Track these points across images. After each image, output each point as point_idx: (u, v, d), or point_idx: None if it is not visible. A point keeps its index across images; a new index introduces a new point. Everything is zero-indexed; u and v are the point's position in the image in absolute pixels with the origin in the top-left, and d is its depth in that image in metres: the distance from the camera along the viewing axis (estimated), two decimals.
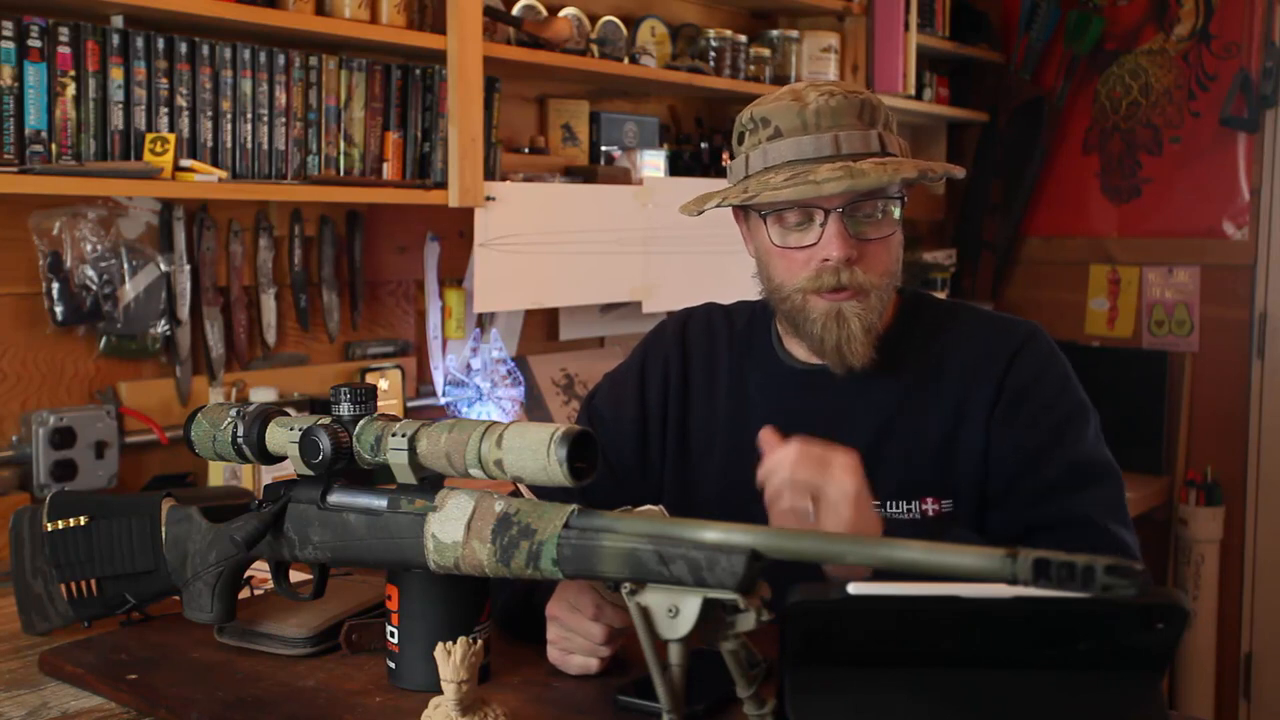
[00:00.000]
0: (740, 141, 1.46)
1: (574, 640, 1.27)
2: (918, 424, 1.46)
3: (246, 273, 2.34)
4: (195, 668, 1.32)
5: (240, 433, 1.24)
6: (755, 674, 0.97)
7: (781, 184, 1.36)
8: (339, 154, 2.30)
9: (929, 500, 1.44)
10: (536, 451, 1.03)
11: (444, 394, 2.68)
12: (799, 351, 1.52)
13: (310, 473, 1.18)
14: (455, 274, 2.71)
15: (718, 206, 1.45)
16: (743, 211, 1.49)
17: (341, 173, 2.31)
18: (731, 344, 1.58)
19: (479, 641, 1.08)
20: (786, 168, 1.38)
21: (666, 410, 1.57)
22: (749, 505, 1.45)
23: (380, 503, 1.15)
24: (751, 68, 3.13)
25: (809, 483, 1.21)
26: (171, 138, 2.02)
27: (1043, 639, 0.84)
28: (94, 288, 2.09)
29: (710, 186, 1.51)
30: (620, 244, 2.78)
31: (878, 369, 1.45)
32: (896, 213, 1.42)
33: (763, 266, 1.48)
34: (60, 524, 1.41)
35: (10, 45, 1.87)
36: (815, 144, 1.37)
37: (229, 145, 2.13)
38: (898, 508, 1.44)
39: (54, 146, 1.92)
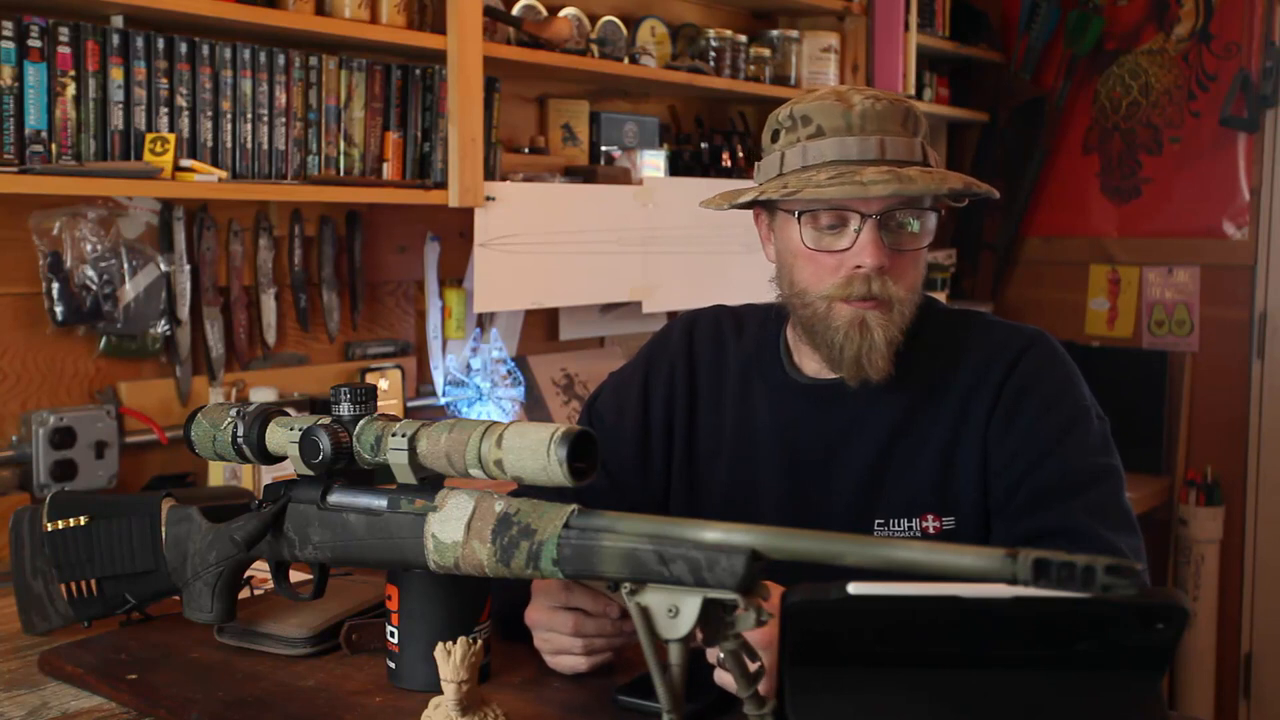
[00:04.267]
0: (774, 139, 1.42)
1: (553, 639, 1.28)
2: (921, 439, 1.44)
3: (246, 273, 2.34)
4: (195, 668, 1.32)
5: (240, 433, 1.24)
6: (755, 674, 0.97)
7: (826, 182, 1.32)
8: (339, 154, 2.30)
9: (930, 517, 1.42)
10: (536, 451, 1.03)
11: (444, 394, 2.68)
12: (808, 365, 1.49)
13: (310, 473, 1.18)
14: (455, 274, 2.71)
15: (752, 202, 1.42)
16: (767, 211, 1.46)
17: (341, 173, 2.31)
18: (739, 353, 1.55)
19: (479, 641, 1.08)
20: (829, 167, 1.35)
21: (673, 417, 1.55)
22: (754, 514, 1.45)
23: (380, 503, 1.15)
24: (751, 68, 3.13)
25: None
26: (171, 138, 2.02)
27: (1043, 639, 0.84)
28: (94, 288, 2.09)
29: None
30: (620, 244, 2.78)
31: (884, 383, 1.44)
32: (930, 226, 1.40)
33: (786, 269, 1.44)
34: (60, 524, 1.42)
35: (10, 45, 1.87)
36: (860, 145, 1.35)
37: (229, 145, 2.13)
38: (899, 525, 1.43)
39: (54, 146, 1.92)
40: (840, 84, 3.32)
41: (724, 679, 1.13)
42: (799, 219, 1.38)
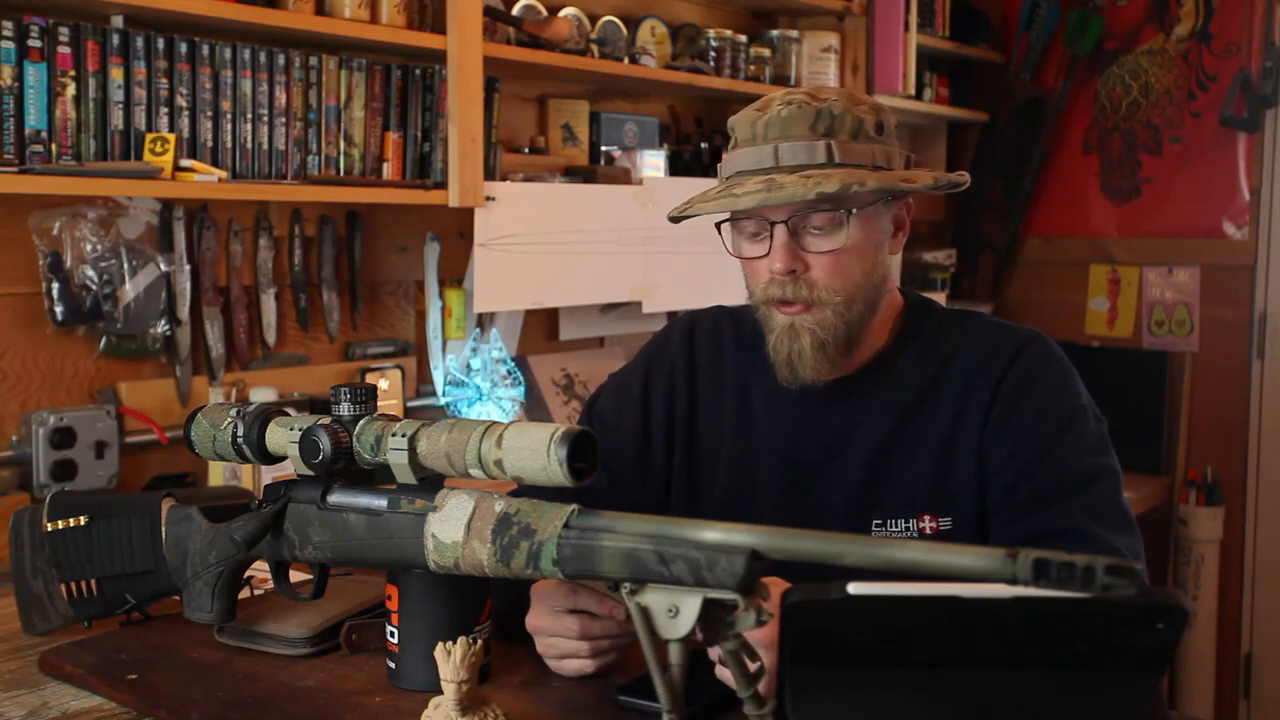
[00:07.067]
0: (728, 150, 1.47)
1: (557, 644, 1.27)
2: (917, 439, 1.44)
3: (246, 273, 2.34)
4: (195, 668, 1.32)
5: (240, 433, 1.24)
6: (755, 674, 0.97)
7: (713, 196, 1.37)
8: (339, 154, 2.30)
9: (926, 518, 1.43)
10: (536, 451, 1.03)
11: (444, 394, 2.68)
12: None
13: (310, 473, 1.18)
14: (455, 274, 2.71)
15: (672, 218, 1.49)
16: None
17: (341, 173, 2.31)
18: (738, 353, 1.56)
19: (479, 641, 1.08)
20: (734, 178, 1.39)
21: (673, 417, 1.55)
22: (753, 514, 1.45)
23: (380, 503, 1.15)
24: (751, 68, 3.13)
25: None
26: (171, 138, 2.02)
27: (1043, 639, 0.84)
28: (94, 288, 2.09)
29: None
30: (620, 244, 2.78)
31: (879, 384, 1.44)
32: (850, 227, 1.36)
33: (743, 276, 1.49)
34: (60, 524, 1.42)
35: (10, 45, 1.87)
36: (756, 155, 1.37)
37: (229, 145, 2.13)
38: (896, 525, 1.43)
39: (54, 146, 1.92)
40: (840, 84, 3.32)
41: (725, 675, 1.13)
42: (722, 229, 1.43)
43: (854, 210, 1.37)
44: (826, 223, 1.37)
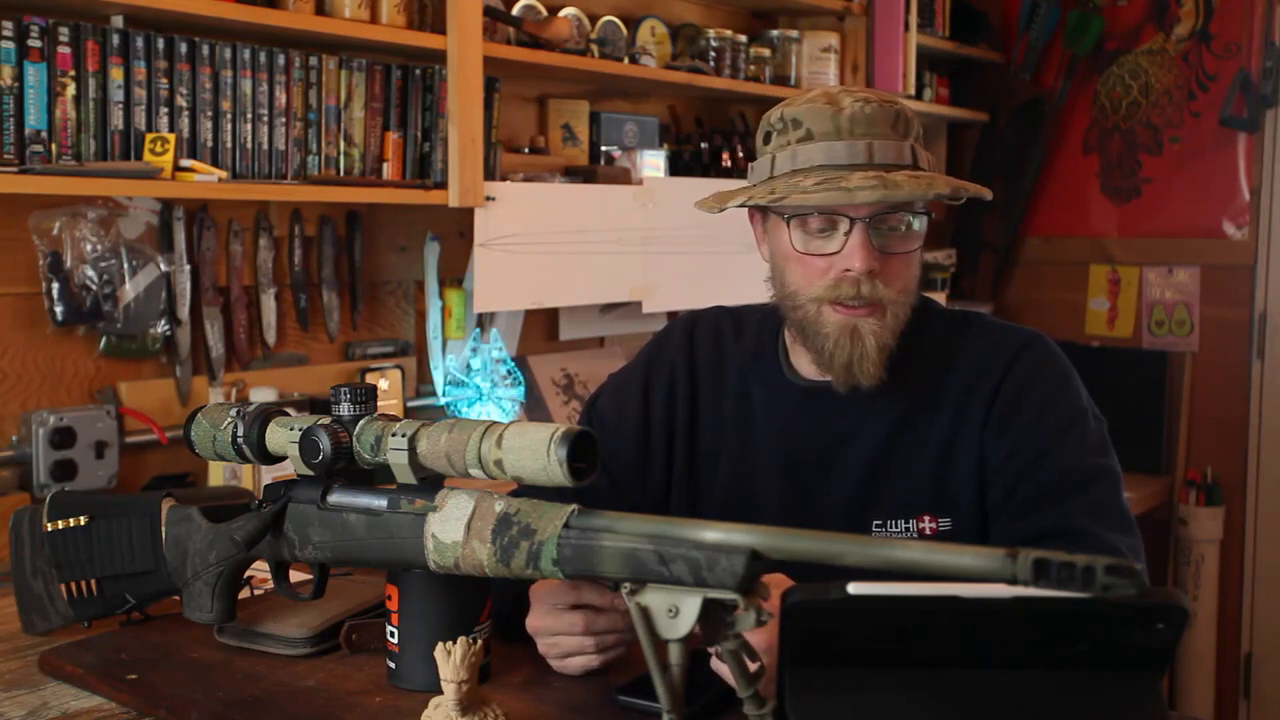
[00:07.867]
0: (766, 141, 1.42)
1: (561, 642, 1.27)
2: (918, 439, 1.44)
3: (246, 273, 2.34)
4: (195, 668, 1.32)
5: (240, 433, 1.24)
6: (755, 674, 0.97)
7: (812, 188, 1.32)
8: (339, 154, 2.30)
9: (926, 518, 1.43)
10: (536, 451, 1.03)
11: (444, 394, 2.68)
12: (805, 367, 1.49)
13: (310, 473, 1.18)
14: (455, 274, 2.71)
15: (742, 206, 1.42)
16: (761, 213, 1.46)
17: (341, 173, 2.31)
18: (739, 353, 1.55)
19: (479, 641, 1.08)
20: (817, 172, 1.34)
21: (673, 418, 1.55)
22: (753, 514, 1.45)
23: (380, 503, 1.15)
24: (751, 68, 3.13)
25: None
26: (171, 138, 2.02)
27: (1043, 639, 0.84)
28: (94, 288, 2.09)
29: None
30: (620, 244, 2.78)
31: (882, 385, 1.44)
32: (921, 228, 1.39)
33: (778, 271, 1.44)
34: (60, 524, 1.42)
35: (10, 45, 1.87)
36: (849, 150, 1.34)
37: (229, 145, 2.13)
38: (896, 526, 1.43)
39: (54, 146, 1.92)
40: (840, 84, 3.32)
41: (721, 669, 1.13)
42: (788, 222, 1.39)
43: (930, 213, 1.39)
44: (900, 224, 1.38)
